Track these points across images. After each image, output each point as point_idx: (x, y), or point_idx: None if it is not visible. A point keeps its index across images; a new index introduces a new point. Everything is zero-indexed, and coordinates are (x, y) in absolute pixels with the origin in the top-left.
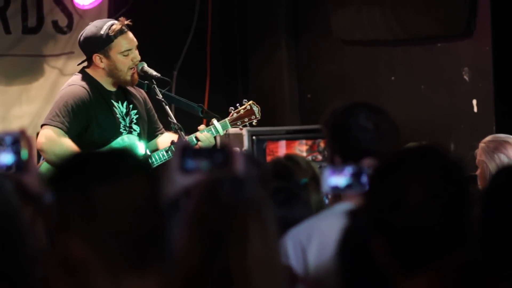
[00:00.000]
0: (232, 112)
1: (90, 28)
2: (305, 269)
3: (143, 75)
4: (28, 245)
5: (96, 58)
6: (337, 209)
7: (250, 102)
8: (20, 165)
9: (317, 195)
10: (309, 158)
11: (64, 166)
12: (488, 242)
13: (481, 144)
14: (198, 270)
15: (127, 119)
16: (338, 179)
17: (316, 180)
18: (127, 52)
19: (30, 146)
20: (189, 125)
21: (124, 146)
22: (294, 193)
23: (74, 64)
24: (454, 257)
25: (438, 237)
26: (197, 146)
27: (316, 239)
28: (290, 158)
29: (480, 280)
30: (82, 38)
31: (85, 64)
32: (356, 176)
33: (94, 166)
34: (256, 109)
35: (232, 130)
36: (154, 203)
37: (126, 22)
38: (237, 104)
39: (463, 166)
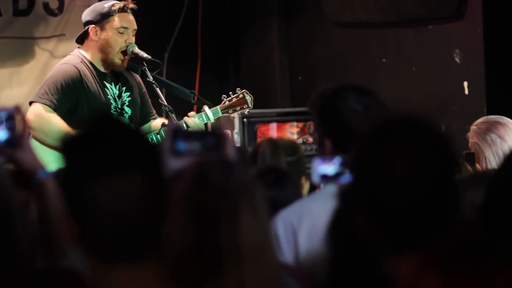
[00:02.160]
0: (224, 100)
1: (96, 4)
2: (295, 251)
3: (134, 57)
4: (19, 226)
5: (92, 30)
6: (328, 190)
7: (244, 91)
8: (14, 141)
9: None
10: (300, 140)
11: (66, 151)
12: (491, 225)
13: (473, 127)
14: (190, 252)
15: (119, 101)
16: (327, 168)
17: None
18: (122, 29)
19: (24, 123)
20: (179, 110)
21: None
22: (283, 174)
23: (65, 46)
24: (446, 235)
25: (424, 214)
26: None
27: (306, 221)
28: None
29: (478, 256)
30: (86, 10)
31: (81, 43)
32: (346, 164)
33: (92, 159)
34: (249, 98)
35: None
36: (151, 198)
37: (131, 6)
38: (230, 92)
39: (452, 142)
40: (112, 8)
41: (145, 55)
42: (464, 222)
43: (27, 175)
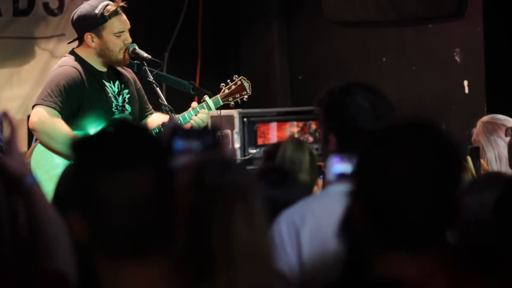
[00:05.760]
0: (224, 88)
1: (84, 7)
2: (298, 251)
3: (134, 56)
4: (6, 230)
5: (88, 37)
6: (331, 190)
7: (241, 77)
8: (1, 147)
9: (307, 175)
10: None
11: (76, 148)
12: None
13: (479, 123)
14: (182, 252)
15: (120, 99)
16: (343, 166)
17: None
18: (119, 33)
19: (13, 128)
20: (180, 105)
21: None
22: (286, 173)
23: (65, 46)
24: (460, 236)
25: (419, 214)
26: (189, 124)
27: (310, 221)
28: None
29: (493, 263)
30: (75, 16)
31: (76, 44)
32: None
33: (101, 154)
34: (246, 84)
35: (223, 112)
36: (160, 194)
37: (121, 4)
38: (228, 80)
39: (457, 148)
40: (105, 13)
41: (145, 54)
42: (477, 223)
43: (15, 180)
